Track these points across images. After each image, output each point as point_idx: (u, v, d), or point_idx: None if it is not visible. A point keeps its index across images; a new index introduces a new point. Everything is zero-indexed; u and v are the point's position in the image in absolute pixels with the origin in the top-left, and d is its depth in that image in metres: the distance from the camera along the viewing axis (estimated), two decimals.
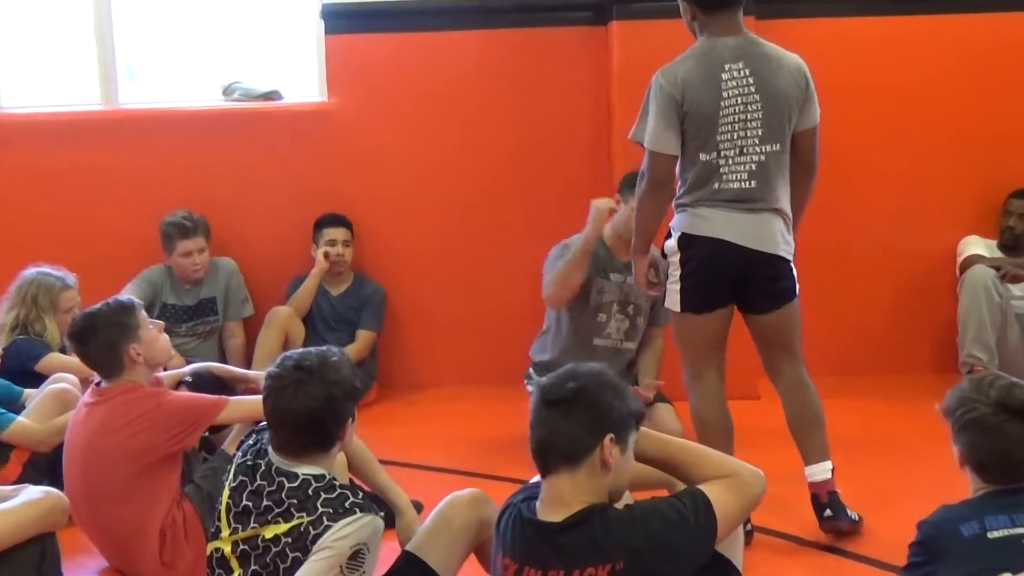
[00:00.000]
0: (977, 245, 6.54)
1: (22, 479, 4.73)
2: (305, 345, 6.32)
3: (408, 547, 3.47)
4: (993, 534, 2.97)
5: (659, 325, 5.76)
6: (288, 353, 3.33)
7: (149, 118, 6.76)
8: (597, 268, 5.61)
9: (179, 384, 4.66)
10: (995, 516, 2.99)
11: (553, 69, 6.66)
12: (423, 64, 6.66)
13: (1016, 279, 6.31)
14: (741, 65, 4.39)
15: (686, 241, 4.46)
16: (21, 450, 4.82)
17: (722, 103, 4.36)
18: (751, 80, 4.37)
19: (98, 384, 4.30)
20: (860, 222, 6.70)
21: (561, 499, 2.97)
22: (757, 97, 4.37)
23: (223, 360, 6.20)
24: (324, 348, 3.32)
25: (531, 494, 3.09)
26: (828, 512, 4.47)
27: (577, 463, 2.96)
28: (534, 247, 6.56)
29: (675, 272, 4.53)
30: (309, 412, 3.19)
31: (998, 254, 6.52)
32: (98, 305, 4.31)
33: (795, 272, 4.56)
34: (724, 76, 4.37)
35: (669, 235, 4.56)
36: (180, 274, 6.39)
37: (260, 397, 4.32)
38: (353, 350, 6.42)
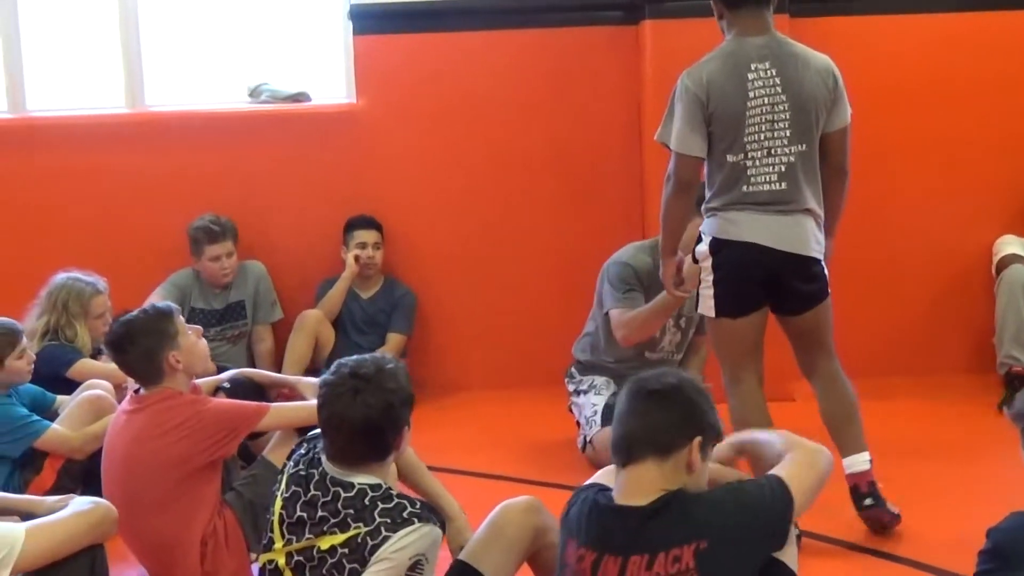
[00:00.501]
0: (1014, 244, 6.47)
1: (56, 488, 4.70)
2: (335, 349, 6.31)
3: (461, 556, 3.41)
4: None
5: (704, 332, 5.68)
6: (343, 360, 3.27)
7: (176, 120, 6.70)
8: (655, 284, 5.36)
9: (216, 390, 4.58)
10: None
11: (583, 69, 6.60)
12: (451, 65, 6.61)
13: None
14: (768, 65, 4.36)
15: (717, 246, 4.43)
16: (55, 458, 4.78)
17: (748, 103, 4.33)
18: (777, 80, 4.34)
19: (137, 391, 4.24)
20: (893, 222, 6.64)
21: (642, 487, 2.96)
22: (784, 97, 4.34)
23: (251, 365, 6.15)
24: (379, 355, 3.29)
25: (601, 487, 3.07)
26: (869, 501, 4.47)
27: (667, 455, 2.96)
28: (564, 249, 6.57)
29: (708, 277, 4.49)
30: (366, 420, 3.14)
31: None
32: (135, 312, 4.25)
33: (827, 271, 4.53)
34: (750, 76, 4.34)
35: (700, 240, 4.52)
36: (209, 278, 6.34)
37: (301, 404, 4.39)
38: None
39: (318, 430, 3.43)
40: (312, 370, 6.00)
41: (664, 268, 4.69)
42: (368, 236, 6.47)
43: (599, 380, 5.60)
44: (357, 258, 6.41)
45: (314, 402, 4.32)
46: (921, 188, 6.59)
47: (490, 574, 3.35)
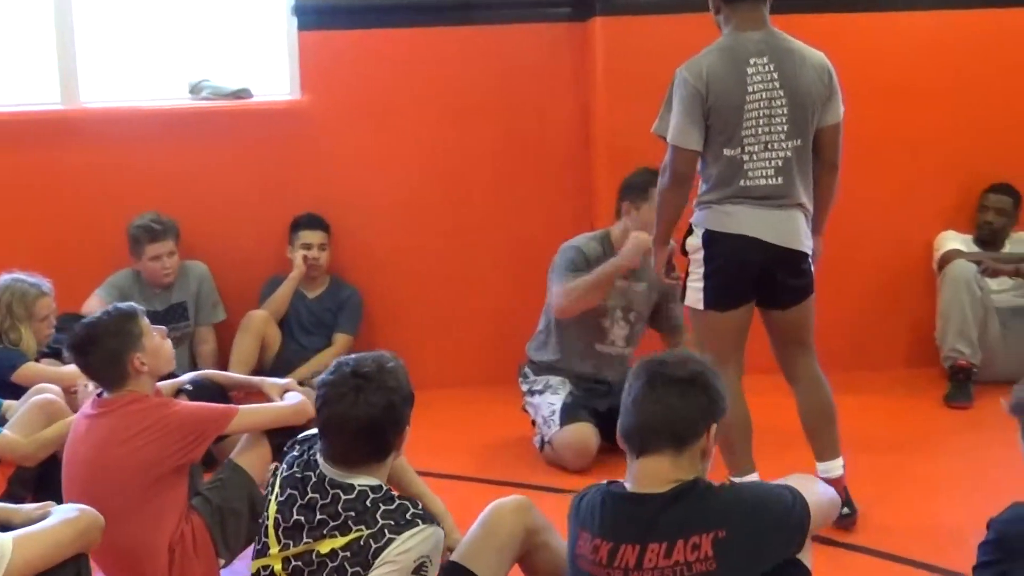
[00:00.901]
0: (955, 240, 6.57)
1: (7, 496, 4.57)
2: (281, 350, 6.21)
3: (454, 557, 3.37)
4: None
5: (680, 327, 5.70)
6: (342, 359, 3.21)
7: (114, 117, 6.54)
8: None
9: (178, 392, 4.48)
10: None
11: (531, 66, 6.58)
12: (398, 61, 6.55)
13: (996, 273, 6.35)
14: (766, 60, 4.36)
15: (710, 238, 4.42)
16: (5, 465, 4.65)
17: (747, 97, 4.33)
18: (775, 75, 4.34)
19: (100, 395, 4.13)
20: (835, 219, 6.61)
21: (659, 476, 2.95)
22: (781, 92, 4.34)
23: (194, 367, 6.02)
24: (377, 353, 3.22)
25: (610, 480, 3.07)
26: (845, 510, 4.45)
27: (683, 446, 2.94)
28: (513, 246, 6.54)
29: (698, 270, 4.48)
30: (370, 420, 3.08)
31: (974, 249, 6.55)
32: (98, 313, 4.13)
33: (812, 268, 4.55)
34: (749, 70, 4.34)
35: (690, 232, 4.50)
36: (150, 278, 6.20)
37: (270, 405, 4.31)
38: (330, 354, 6.27)
39: (310, 431, 3.37)
40: (258, 371, 5.89)
41: (656, 257, 4.68)
42: (313, 237, 6.38)
43: (554, 380, 5.58)
44: (305, 259, 6.31)
45: (281, 403, 4.33)
46: (863, 185, 6.63)
47: (483, 574, 3.31)
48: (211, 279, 6.35)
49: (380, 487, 3.12)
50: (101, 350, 4.01)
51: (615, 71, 6.21)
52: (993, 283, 6.39)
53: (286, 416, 4.27)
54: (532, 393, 5.61)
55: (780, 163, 4.36)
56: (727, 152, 4.36)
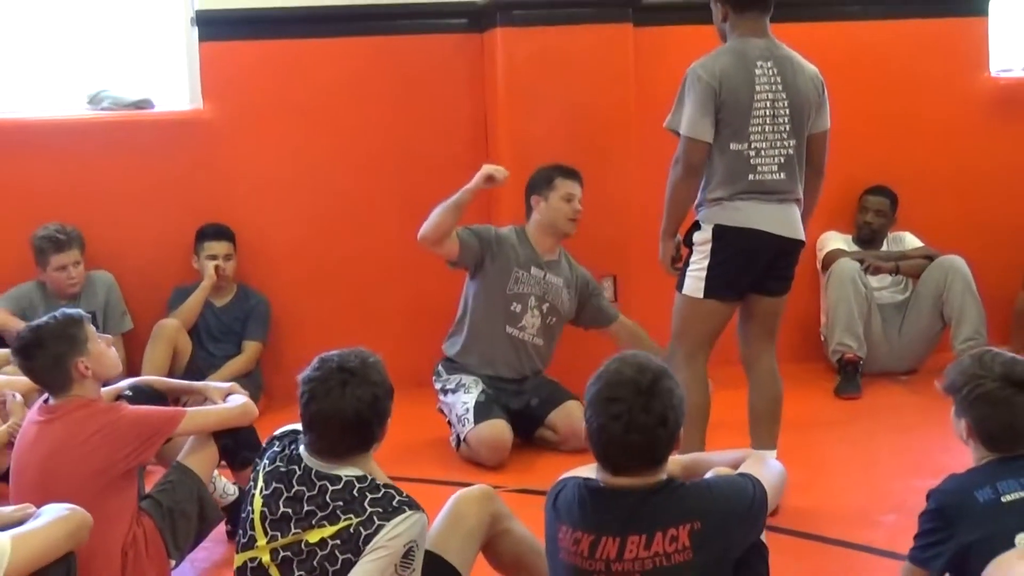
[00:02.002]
0: (837, 240, 6.90)
1: None
2: (191, 358, 6.24)
3: (426, 546, 3.47)
4: (1007, 497, 3.19)
5: (615, 317, 5.98)
6: (325, 355, 3.32)
7: (12, 129, 6.49)
8: (518, 258, 5.76)
9: (117, 398, 4.51)
10: (1005, 481, 3.22)
11: (428, 76, 6.71)
12: (298, 72, 6.63)
13: (878, 271, 6.69)
14: (770, 64, 4.66)
15: (720, 232, 4.66)
16: None
17: (755, 96, 4.61)
18: (778, 79, 4.65)
19: (46, 401, 4.16)
20: None
21: (634, 480, 3.08)
22: (784, 95, 4.65)
23: None
24: (358, 349, 3.33)
25: (586, 477, 3.18)
26: None
27: (658, 465, 3.08)
28: (414, 253, 6.58)
29: (702, 260, 4.71)
30: (357, 413, 3.19)
31: (855, 248, 6.89)
32: (44, 318, 4.16)
33: None
34: (757, 72, 4.64)
35: (697, 227, 4.73)
36: (56, 289, 6.18)
37: (215, 408, 4.40)
38: (240, 362, 6.38)
39: (288, 427, 3.46)
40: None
41: (664, 248, 4.85)
42: (219, 247, 6.42)
43: (467, 379, 5.71)
44: (217, 267, 6.35)
45: (227, 405, 4.42)
46: None
47: (455, 562, 3.43)
48: (118, 289, 6.34)
49: (365, 477, 3.24)
50: (46, 354, 4.05)
51: (516, 80, 6.38)
52: (874, 280, 6.74)
53: (232, 418, 4.37)
54: (445, 392, 5.75)
55: (783, 160, 4.66)
56: (734, 147, 4.61)
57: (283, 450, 3.34)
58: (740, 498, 3.13)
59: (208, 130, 6.58)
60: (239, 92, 6.59)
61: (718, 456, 3.61)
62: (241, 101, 6.59)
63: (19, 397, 4.66)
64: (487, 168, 5.63)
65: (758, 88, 4.63)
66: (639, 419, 2.99)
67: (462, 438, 5.60)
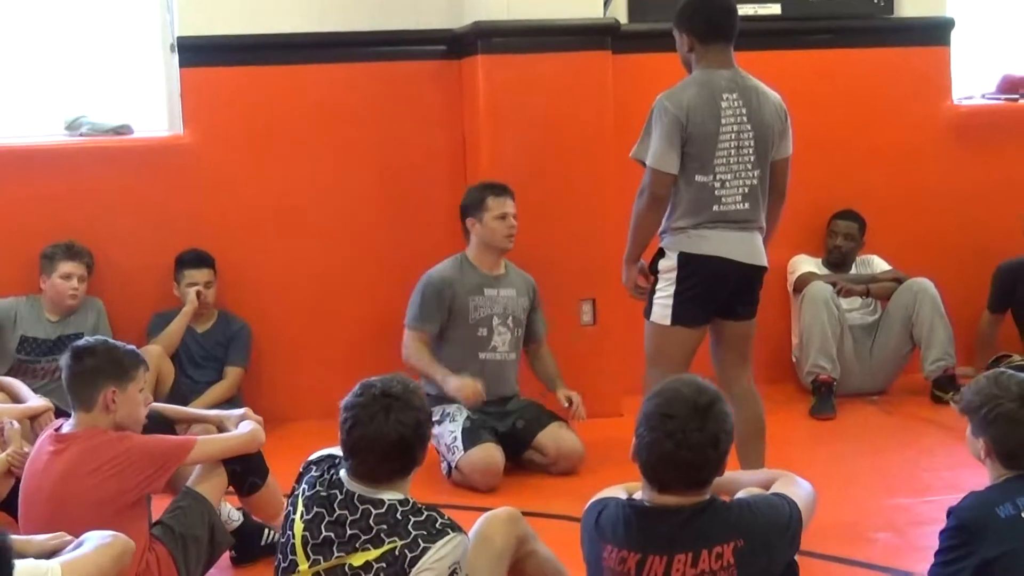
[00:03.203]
0: (808, 263, 7.04)
1: None
2: (175, 383, 6.23)
3: None
4: None
5: (540, 337, 6.05)
6: (367, 381, 3.36)
7: None
8: (469, 287, 5.83)
9: None
10: None
11: (407, 102, 6.77)
12: (278, 98, 6.66)
13: (850, 293, 6.84)
14: (736, 96, 4.73)
15: (685, 259, 4.74)
16: None
17: (721, 128, 4.68)
18: (743, 110, 4.73)
19: (58, 429, 4.17)
20: None
21: (678, 500, 3.15)
22: (749, 126, 4.73)
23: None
24: (398, 375, 3.38)
25: (629, 497, 3.26)
26: None
27: (704, 487, 3.16)
28: (396, 277, 6.68)
29: (668, 288, 4.79)
30: (401, 438, 3.25)
31: (825, 271, 7.03)
32: (116, 342, 4.22)
33: None
34: (723, 104, 4.70)
35: (661, 255, 4.81)
36: (54, 299, 6.15)
37: (226, 435, 4.42)
38: (223, 387, 6.37)
39: (323, 452, 3.50)
40: None
41: (627, 274, 4.92)
42: (199, 275, 6.39)
43: (451, 408, 5.74)
44: (199, 294, 6.34)
45: (236, 433, 4.44)
46: None
47: None
48: (106, 316, 6.30)
49: (407, 500, 3.29)
50: (92, 365, 4.07)
51: (495, 106, 6.45)
52: (845, 303, 6.88)
53: (241, 445, 4.40)
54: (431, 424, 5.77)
55: (747, 190, 4.75)
56: (699, 179, 4.69)
57: (322, 475, 3.38)
58: (779, 517, 3.22)
59: (189, 156, 6.59)
60: (220, 118, 6.61)
61: (748, 476, 3.70)
62: (221, 127, 6.61)
63: (16, 425, 4.66)
64: (464, 392, 5.65)
65: (724, 121, 4.70)
66: (692, 437, 3.06)
67: (453, 466, 5.62)
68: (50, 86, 6.80)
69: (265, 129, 6.65)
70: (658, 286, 4.83)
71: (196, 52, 6.55)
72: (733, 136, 4.70)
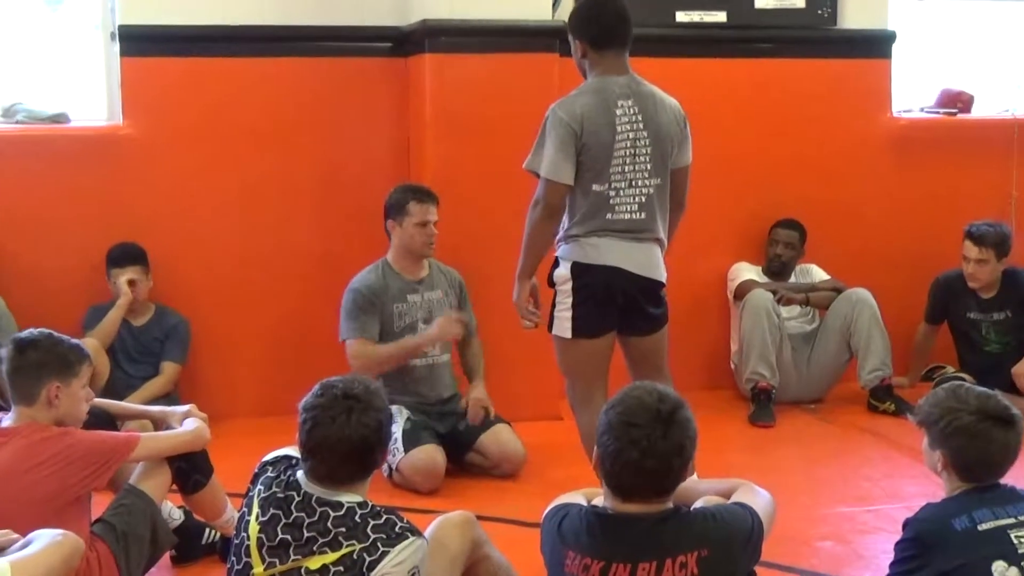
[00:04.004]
0: (749, 271, 7.07)
1: None
2: (110, 378, 6.11)
3: None
4: (983, 526, 3.30)
5: (472, 332, 5.96)
6: (328, 381, 3.30)
7: None
8: (392, 295, 5.76)
9: None
10: (980, 511, 3.34)
11: (352, 99, 6.69)
12: (221, 90, 6.55)
13: (790, 302, 6.88)
14: (631, 103, 4.65)
15: (578, 270, 4.67)
16: None
17: (616, 137, 4.61)
18: (640, 117, 4.65)
19: None
20: None
21: (641, 507, 3.13)
22: (645, 134, 4.65)
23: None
24: (358, 376, 3.33)
25: (590, 504, 3.23)
26: None
27: (666, 494, 3.13)
28: (335, 274, 6.58)
29: (566, 300, 4.72)
30: (363, 440, 3.20)
31: (765, 279, 7.06)
32: (59, 335, 4.12)
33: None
34: (618, 111, 4.62)
35: (557, 264, 4.75)
36: None
37: (170, 433, 4.35)
38: (159, 383, 6.25)
39: (279, 452, 3.44)
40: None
41: (520, 290, 4.84)
42: (129, 273, 6.25)
43: (391, 408, 5.68)
44: (131, 283, 6.22)
45: (181, 430, 4.37)
46: None
47: None
48: (8, 311, 6.05)
49: (366, 503, 3.23)
50: (35, 358, 3.99)
51: (442, 106, 6.40)
52: (784, 311, 6.91)
53: (185, 443, 4.32)
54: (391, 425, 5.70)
55: (643, 199, 4.67)
56: (595, 188, 4.62)
57: (278, 476, 3.31)
58: (742, 526, 3.21)
59: (127, 146, 6.47)
60: (160, 109, 6.49)
61: (707, 484, 3.68)
62: (161, 118, 6.49)
63: None
64: (446, 328, 5.65)
65: (619, 128, 4.62)
66: (657, 445, 3.04)
67: (393, 467, 5.55)
68: None
69: (206, 122, 6.55)
70: (556, 299, 4.76)
71: (138, 41, 6.42)
72: (629, 144, 4.63)
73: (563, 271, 4.72)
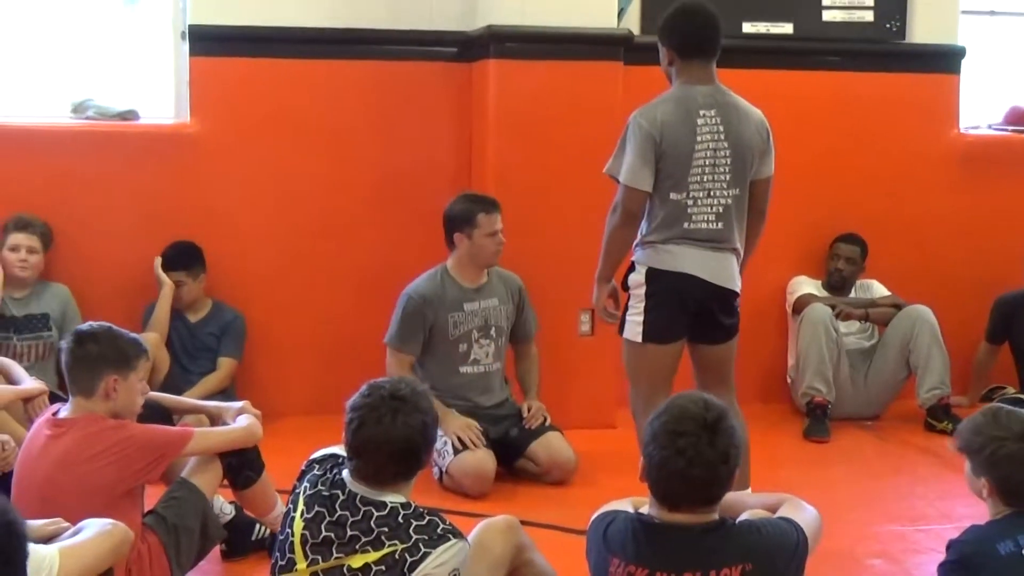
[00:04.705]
0: (808, 285, 7.03)
1: None
2: (169, 373, 6.19)
3: None
4: None
5: (530, 337, 5.98)
6: (375, 382, 3.33)
7: None
8: (448, 304, 5.75)
9: None
10: None
11: (415, 102, 6.73)
12: (288, 91, 6.62)
13: (848, 317, 6.83)
14: (713, 113, 4.65)
15: (653, 275, 4.69)
16: None
17: (696, 146, 4.61)
18: (721, 128, 4.64)
19: (55, 414, 4.13)
20: None
21: (688, 518, 3.13)
22: (726, 144, 4.64)
23: (61, 382, 5.92)
24: (406, 377, 3.36)
25: (637, 511, 3.23)
26: None
27: (712, 504, 3.13)
28: (391, 278, 6.62)
29: (638, 304, 4.74)
30: (408, 440, 3.22)
31: (824, 293, 7.02)
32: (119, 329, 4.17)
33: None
34: (699, 121, 4.63)
35: (632, 269, 4.76)
36: (6, 271, 6.00)
37: (224, 429, 4.40)
38: (216, 379, 6.33)
39: (326, 450, 3.48)
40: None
41: (599, 293, 4.88)
42: (176, 276, 6.33)
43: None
44: (178, 283, 6.32)
45: (233, 426, 4.41)
46: None
47: None
48: (74, 303, 6.21)
49: (409, 504, 3.26)
50: (94, 351, 4.03)
51: (506, 111, 6.43)
52: (842, 326, 6.86)
53: (238, 439, 4.38)
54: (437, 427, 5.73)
55: (721, 209, 4.67)
56: (673, 196, 4.63)
57: (324, 474, 3.35)
58: (787, 543, 3.20)
59: (193, 144, 6.55)
60: (227, 108, 6.57)
61: (754, 498, 3.68)
62: (228, 117, 6.57)
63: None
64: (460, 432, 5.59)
65: (699, 138, 4.62)
66: (704, 454, 3.04)
67: (444, 471, 5.59)
68: (60, 68, 6.76)
69: (271, 122, 6.62)
70: (630, 303, 4.78)
71: (207, 41, 6.50)
72: (709, 154, 4.63)
73: (637, 276, 4.74)
